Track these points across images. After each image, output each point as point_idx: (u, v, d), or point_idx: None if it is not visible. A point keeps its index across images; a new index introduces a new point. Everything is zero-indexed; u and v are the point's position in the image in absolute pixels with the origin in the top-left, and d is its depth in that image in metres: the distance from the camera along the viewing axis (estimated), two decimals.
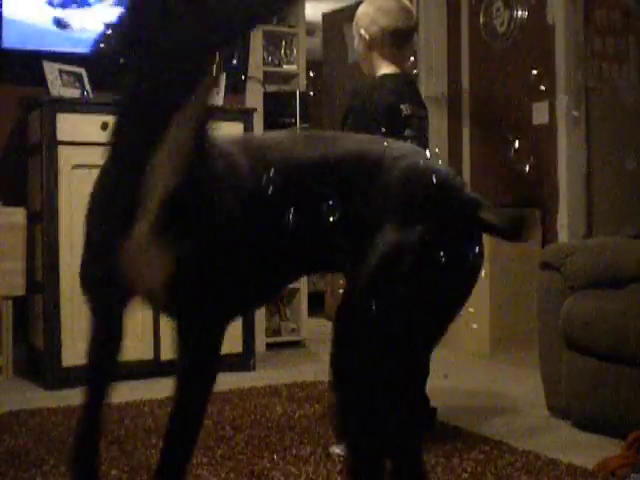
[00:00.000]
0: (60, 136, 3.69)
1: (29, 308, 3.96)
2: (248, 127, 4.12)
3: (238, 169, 1.66)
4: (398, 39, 2.73)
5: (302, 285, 4.89)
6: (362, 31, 2.73)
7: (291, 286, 4.88)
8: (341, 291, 1.74)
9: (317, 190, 1.64)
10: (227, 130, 4.05)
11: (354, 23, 2.80)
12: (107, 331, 1.85)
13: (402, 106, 2.65)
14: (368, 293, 1.56)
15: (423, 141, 2.65)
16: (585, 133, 4.48)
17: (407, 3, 2.79)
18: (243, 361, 4.06)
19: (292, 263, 1.78)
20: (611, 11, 4.42)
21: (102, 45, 1.50)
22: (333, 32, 5.92)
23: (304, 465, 2.50)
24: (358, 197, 1.63)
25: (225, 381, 3.69)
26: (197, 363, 1.74)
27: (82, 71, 3.98)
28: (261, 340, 4.56)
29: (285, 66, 5.00)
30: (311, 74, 5.10)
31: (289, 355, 4.57)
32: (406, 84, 2.76)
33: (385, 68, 2.73)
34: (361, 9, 2.78)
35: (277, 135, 1.91)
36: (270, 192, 1.62)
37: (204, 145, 1.58)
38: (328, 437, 2.79)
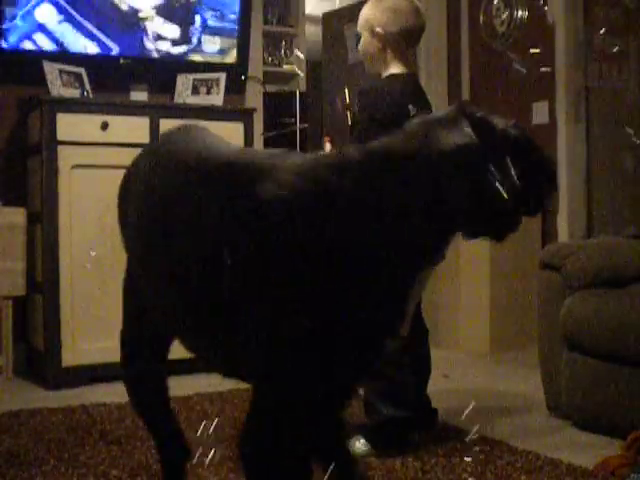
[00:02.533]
0: (60, 136, 3.69)
1: (29, 308, 3.96)
2: (248, 127, 4.12)
3: None
4: (409, 39, 2.73)
5: None
6: (378, 29, 2.68)
7: None
8: None
9: None
10: (227, 130, 4.07)
11: (363, 21, 2.74)
12: None
13: (409, 106, 2.64)
14: None
15: None
16: (585, 133, 4.48)
17: (417, 3, 2.77)
18: None
19: None
20: (611, 11, 4.42)
21: None
22: (333, 32, 5.92)
23: None
24: None
25: (225, 381, 3.70)
26: None
27: (82, 71, 3.98)
28: None
29: (285, 66, 5.00)
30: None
31: None
32: (413, 84, 2.76)
33: (394, 68, 2.72)
34: (370, 8, 2.72)
35: None
36: None
37: None
38: None
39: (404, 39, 2.70)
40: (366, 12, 2.73)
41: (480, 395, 3.54)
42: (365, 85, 2.79)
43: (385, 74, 2.72)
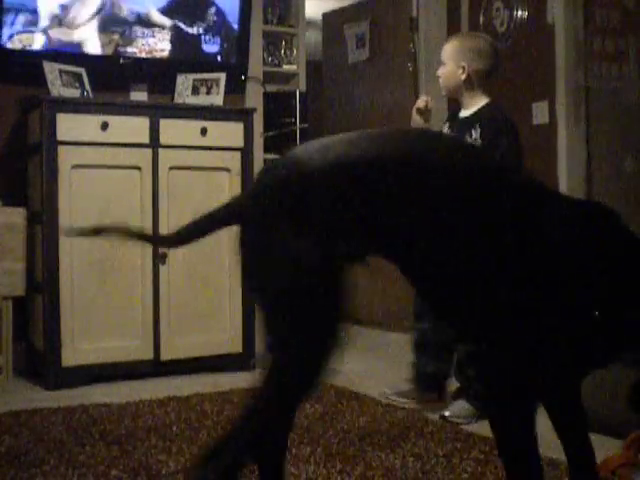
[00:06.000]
0: (60, 136, 3.69)
1: (29, 308, 3.97)
2: (248, 127, 4.12)
3: None
4: (489, 75, 3.23)
5: None
6: (463, 63, 3.15)
7: None
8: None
9: None
10: (227, 130, 4.07)
11: (450, 54, 3.18)
12: None
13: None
14: None
15: None
16: (585, 133, 4.48)
17: (495, 43, 3.33)
18: (243, 361, 4.07)
19: None
20: (611, 11, 4.42)
21: None
22: (333, 32, 5.92)
23: (304, 465, 2.50)
24: None
25: (225, 381, 3.71)
26: None
27: (82, 71, 3.99)
28: (261, 340, 4.56)
29: (285, 66, 5.00)
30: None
31: None
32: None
33: (484, 98, 3.21)
34: (457, 45, 3.20)
35: None
36: None
37: None
38: (328, 437, 2.80)
39: (487, 75, 3.22)
40: (453, 46, 3.21)
41: None
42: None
43: (478, 102, 3.20)
